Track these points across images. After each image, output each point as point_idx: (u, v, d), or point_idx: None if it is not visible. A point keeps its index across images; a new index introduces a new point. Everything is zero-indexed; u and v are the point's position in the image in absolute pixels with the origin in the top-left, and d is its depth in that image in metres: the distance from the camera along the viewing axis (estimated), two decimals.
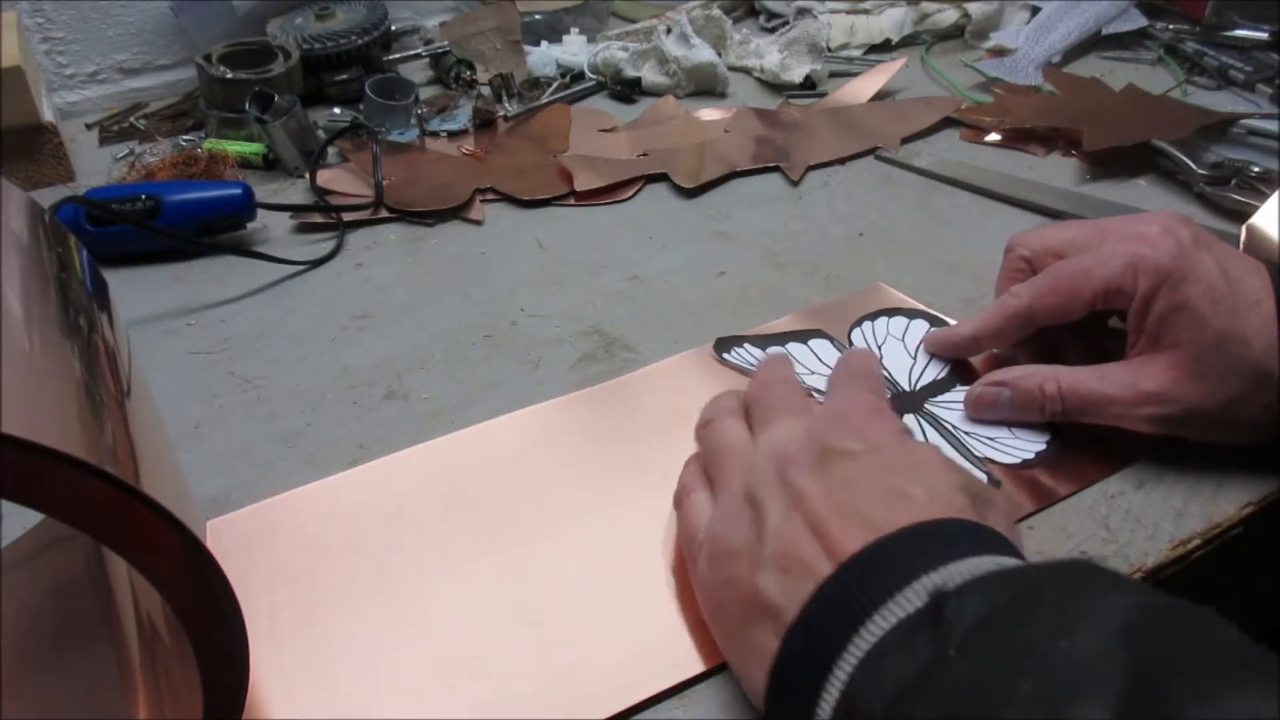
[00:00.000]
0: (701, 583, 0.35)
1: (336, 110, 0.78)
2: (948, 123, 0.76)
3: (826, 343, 0.51)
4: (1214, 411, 0.40)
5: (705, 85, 0.83)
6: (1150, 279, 0.40)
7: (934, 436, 0.45)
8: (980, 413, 0.45)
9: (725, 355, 0.51)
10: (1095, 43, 0.88)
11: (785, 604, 0.30)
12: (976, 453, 0.43)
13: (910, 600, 0.28)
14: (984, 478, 0.42)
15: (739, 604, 0.32)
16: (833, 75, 0.85)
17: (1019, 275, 0.46)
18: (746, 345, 0.51)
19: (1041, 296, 0.44)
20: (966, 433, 0.45)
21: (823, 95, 0.81)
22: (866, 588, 0.29)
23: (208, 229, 0.62)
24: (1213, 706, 0.21)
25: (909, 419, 0.46)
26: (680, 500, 0.38)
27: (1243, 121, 0.71)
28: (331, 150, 0.72)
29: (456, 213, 0.66)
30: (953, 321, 0.51)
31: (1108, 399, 0.41)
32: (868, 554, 0.29)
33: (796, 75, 0.83)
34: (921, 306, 0.53)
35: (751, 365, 0.50)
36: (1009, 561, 0.29)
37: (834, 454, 0.33)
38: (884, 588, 0.28)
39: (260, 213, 0.64)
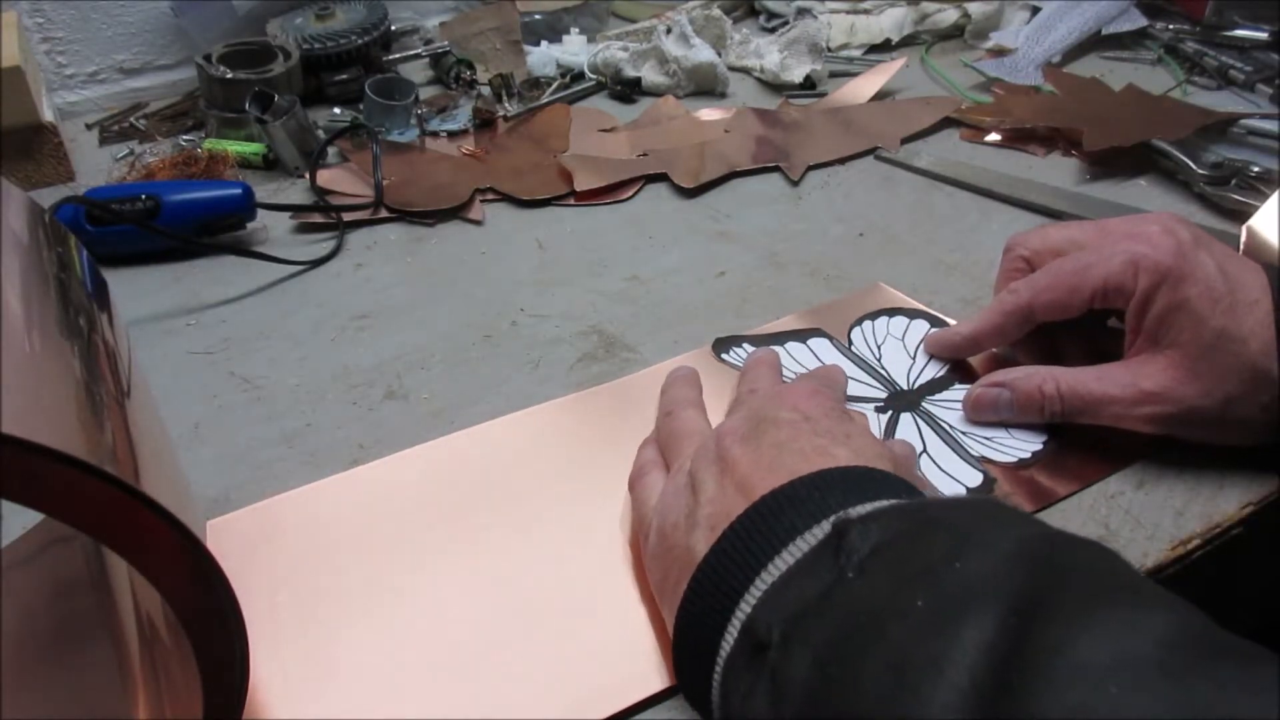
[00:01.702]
0: (650, 558, 0.36)
1: (336, 110, 0.78)
2: (948, 123, 0.76)
3: (826, 342, 0.51)
4: (1212, 411, 0.40)
5: (705, 85, 0.83)
6: (1150, 277, 0.40)
7: (930, 435, 0.45)
8: (980, 414, 0.45)
9: (724, 356, 0.51)
10: (1095, 43, 0.88)
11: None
12: (973, 452, 0.43)
13: (816, 535, 0.29)
14: (981, 477, 0.42)
15: (676, 567, 0.33)
16: (833, 75, 0.85)
17: (1018, 275, 0.46)
18: (745, 345, 0.51)
19: (1040, 293, 0.44)
20: (963, 432, 0.45)
21: (823, 95, 0.81)
22: (775, 526, 0.30)
23: (208, 229, 0.62)
24: (1090, 618, 0.22)
25: (906, 418, 0.46)
26: (634, 483, 0.40)
27: (1243, 121, 0.71)
28: (331, 150, 0.72)
29: (456, 213, 0.66)
30: (953, 321, 0.51)
31: (1107, 399, 0.41)
32: (780, 494, 0.30)
33: (796, 75, 0.83)
34: (921, 306, 0.54)
35: None
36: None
37: (767, 423, 0.34)
38: (792, 526, 0.29)
39: (260, 213, 0.64)
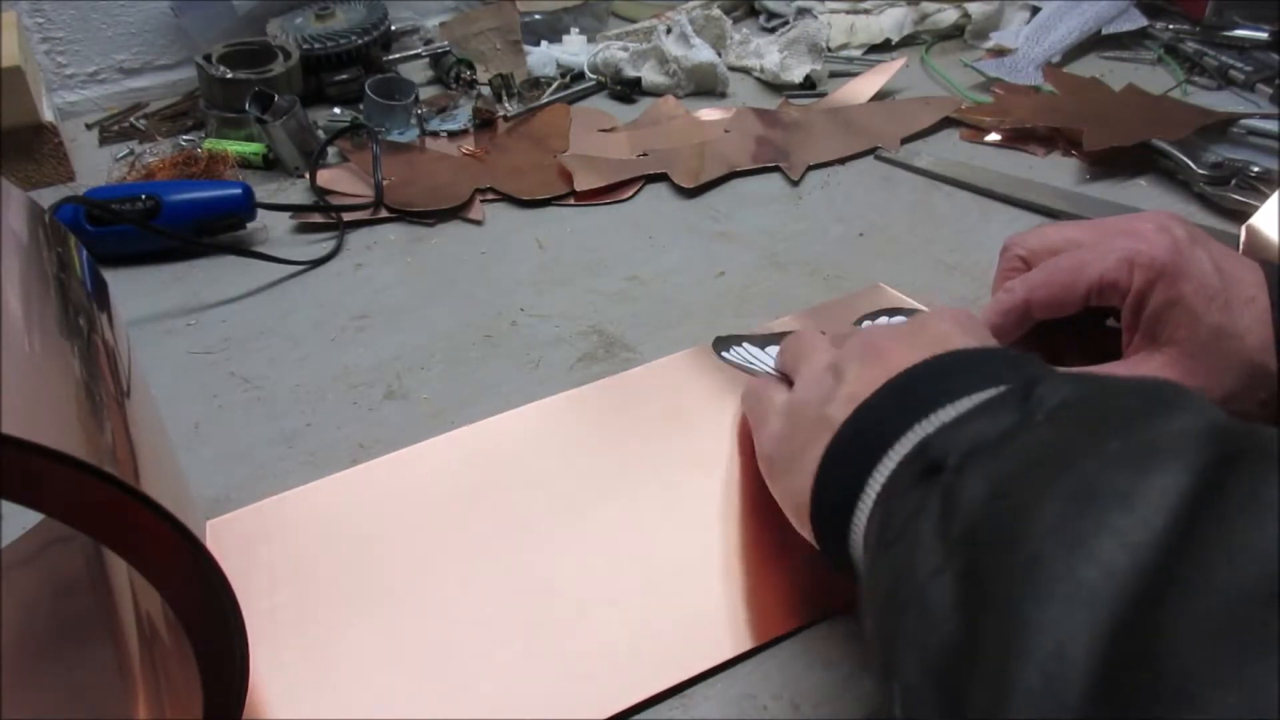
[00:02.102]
0: (773, 439, 0.36)
1: (336, 110, 0.78)
2: (948, 123, 0.76)
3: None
4: None
5: (705, 85, 0.83)
6: (1145, 274, 0.40)
7: None
8: None
9: (724, 354, 0.50)
10: (1095, 43, 0.88)
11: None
12: None
13: (992, 394, 0.28)
14: None
15: (803, 435, 0.33)
16: (833, 75, 0.85)
17: (1015, 275, 0.46)
18: (745, 345, 0.51)
19: (1035, 289, 0.43)
20: None
21: (823, 95, 0.81)
22: (946, 380, 0.29)
23: (208, 229, 0.62)
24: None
25: None
26: (750, 393, 0.40)
27: (1243, 121, 0.71)
28: (331, 150, 0.72)
29: (456, 213, 0.66)
30: None
31: None
32: (949, 357, 0.30)
33: (796, 75, 0.83)
34: (921, 307, 0.53)
35: (750, 364, 0.49)
36: None
37: (921, 329, 0.34)
38: (964, 385, 0.29)
39: (260, 213, 0.64)
